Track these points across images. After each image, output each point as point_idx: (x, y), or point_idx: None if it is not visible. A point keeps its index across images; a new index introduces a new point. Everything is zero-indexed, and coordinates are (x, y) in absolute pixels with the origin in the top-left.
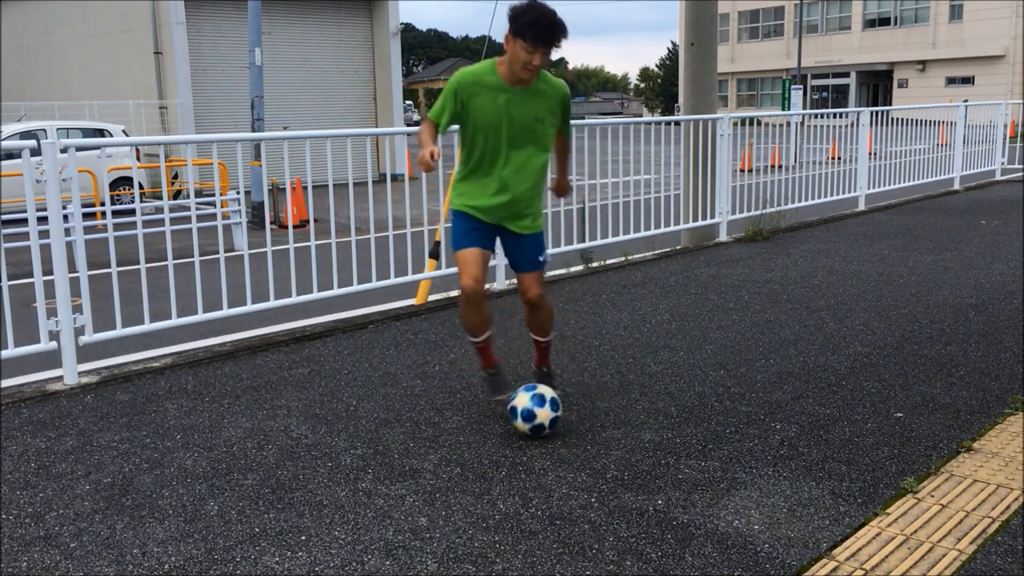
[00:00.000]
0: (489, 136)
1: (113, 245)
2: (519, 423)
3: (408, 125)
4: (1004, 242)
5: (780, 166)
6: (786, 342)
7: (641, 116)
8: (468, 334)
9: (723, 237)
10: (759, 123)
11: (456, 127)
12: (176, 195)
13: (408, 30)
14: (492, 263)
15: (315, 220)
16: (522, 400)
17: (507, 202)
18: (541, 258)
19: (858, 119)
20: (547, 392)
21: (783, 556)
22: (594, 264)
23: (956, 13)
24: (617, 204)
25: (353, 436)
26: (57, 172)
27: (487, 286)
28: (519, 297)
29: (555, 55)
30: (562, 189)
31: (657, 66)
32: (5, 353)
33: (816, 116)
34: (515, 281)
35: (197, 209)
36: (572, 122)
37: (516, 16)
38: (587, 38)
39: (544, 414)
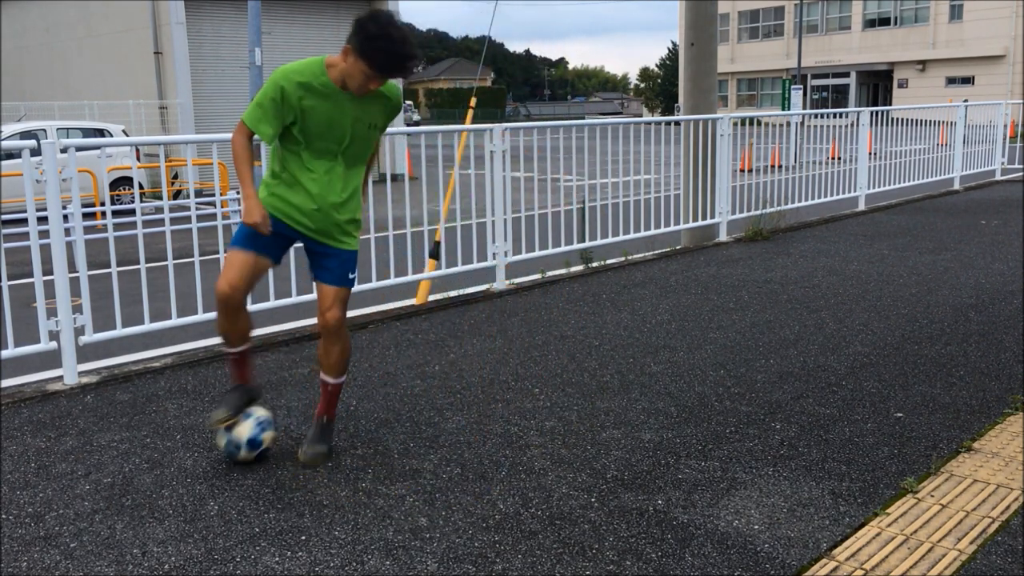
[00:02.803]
0: (318, 142)
1: (113, 245)
2: (244, 453)
3: (408, 125)
4: (1004, 242)
5: (780, 166)
6: (786, 342)
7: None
8: (223, 342)
9: (723, 237)
10: (759, 123)
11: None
12: (176, 195)
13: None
14: (493, 263)
15: None
16: (245, 430)
17: (327, 213)
18: (351, 275)
19: (858, 119)
20: (262, 413)
21: (783, 556)
22: (594, 264)
23: (956, 13)
24: (617, 204)
25: (353, 436)
26: (57, 172)
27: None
28: (317, 318)
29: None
30: None
31: (657, 66)
32: (5, 353)
33: (816, 116)
34: (515, 281)
35: (197, 209)
36: (572, 122)
37: (366, 37)
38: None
39: (269, 437)
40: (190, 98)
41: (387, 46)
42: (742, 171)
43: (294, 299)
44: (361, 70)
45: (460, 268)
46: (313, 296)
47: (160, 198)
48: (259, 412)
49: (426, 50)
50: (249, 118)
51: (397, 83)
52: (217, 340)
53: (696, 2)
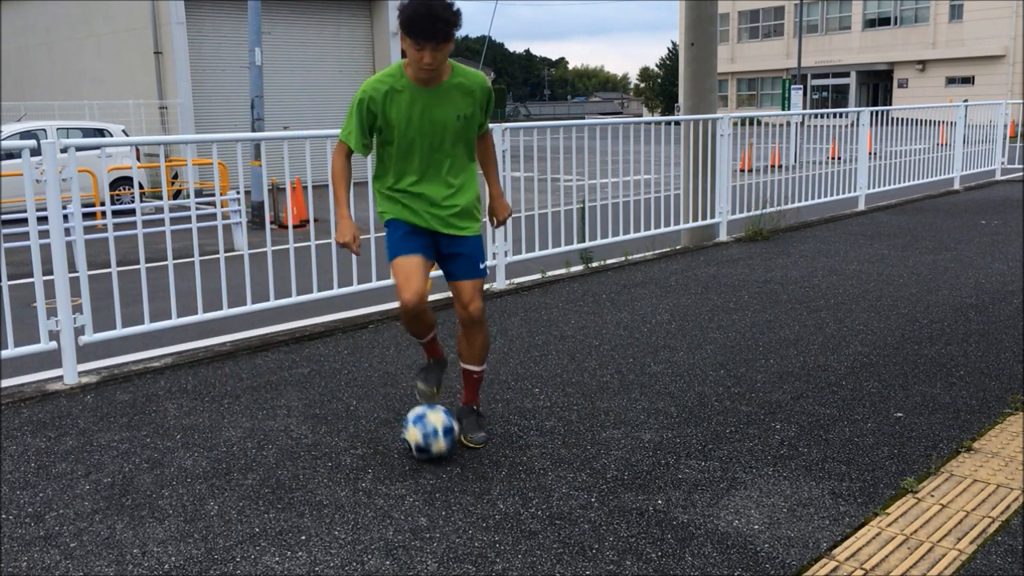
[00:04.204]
0: (410, 142)
1: (113, 245)
2: (440, 441)
3: None
4: (1004, 242)
5: (780, 166)
6: (786, 342)
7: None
8: (412, 336)
9: (723, 237)
10: (759, 123)
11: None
12: (176, 195)
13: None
14: (493, 263)
15: (315, 220)
16: (413, 435)
17: (438, 207)
18: (482, 265)
19: (858, 119)
20: (437, 422)
21: (783, 556)
22: (594, 264)
23: (956, 13)
24: (617, 204)
25: (353, 436)
26: (57, 172)
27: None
28: (456, 312)
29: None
30: (500, 211)
31: (657, 66)
32: (5, 353)
33: (816, 116)
34: (515, 281)
35: (197, 209)
36: (572, 122)
37: (400, 11)
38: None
39: (439, 446)
40: (190, 98)
41: (413, 10)
42: (742, 171)
43: (294, 299)
44: (409, 45)
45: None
46: (313, 296)
47: (160, 198)
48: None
49: None
50: (342, 133)
51: (479, 72)
52: (216, 340)
53: (696, 2)
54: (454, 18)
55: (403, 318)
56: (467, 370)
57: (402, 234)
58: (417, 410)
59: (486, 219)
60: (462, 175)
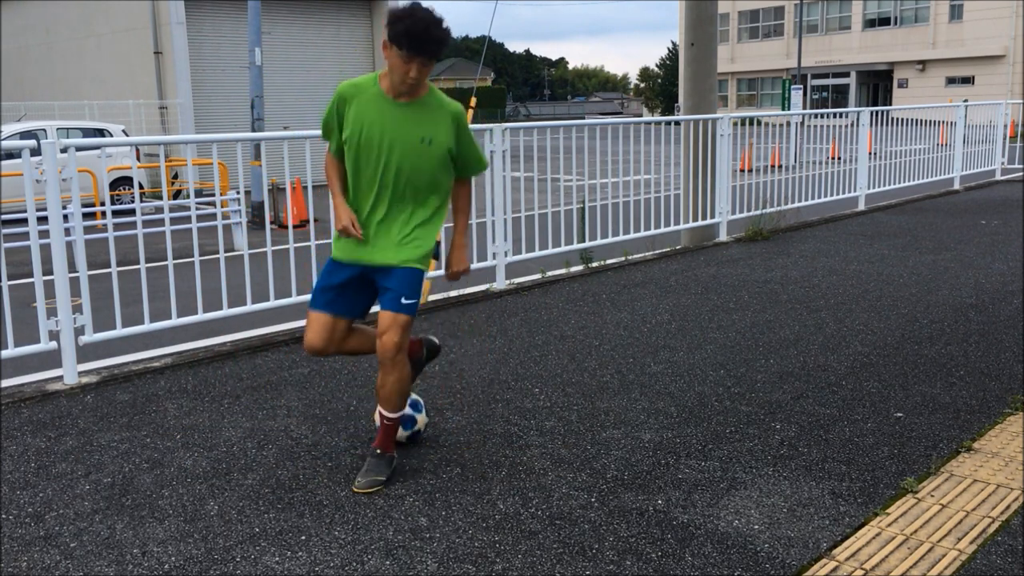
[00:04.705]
0: (363, 154)
1: (113, 245)
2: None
3: None
4: (1004, 242)
5: (780, 166)
6: (786, 342)
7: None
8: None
9: (723, 237)
10: (759, 123)
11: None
12: (176, 195)
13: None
14: (493, 263)
15: (315, 220)
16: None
17: (378, 237)
18: (406, 301)
19: (858, 119)
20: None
21: (783, 556)
22: (594, 264)
23: (956, 13)
24: (617, 204)
25: (353, 436)
26: (57, 172)
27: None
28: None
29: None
30: (456, 264)
31: (657, 66)
32: (5, 353)
33: (816, 116)
34: (515, 281)
35: (197, 209)
36: (572, 122)
37: (392, 21)
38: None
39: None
40: (190, 98)
41: (412, 24)
42: (742, 171)
43: (294, 299)
44: (395, 55)
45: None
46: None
47: (160, 198)
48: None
49: None
50: (323, 129)
51: (454, 102)
52: (216, 340)
53: (696, 2)
54: (446, 37)
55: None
56: (379, 412)
57: (326, 284)
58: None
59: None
60: (421, 212)
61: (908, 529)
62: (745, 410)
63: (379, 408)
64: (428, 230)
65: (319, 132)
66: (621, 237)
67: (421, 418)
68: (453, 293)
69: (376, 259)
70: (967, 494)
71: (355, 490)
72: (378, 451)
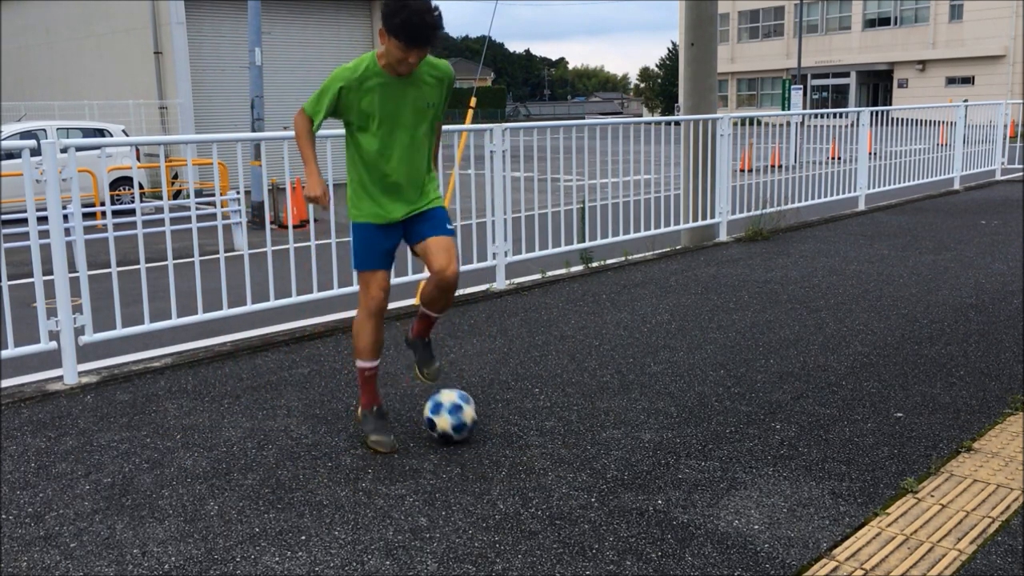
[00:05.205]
0: (382, 130)
1: (113, 245)
2: (467, 408)
3: None
4: (1004, 242)
5: (780, 166)
6: (786, 342)
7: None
8: (358, 357)
9: (723, 237)
10: (759, 123)
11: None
12: (176, 195)
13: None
14: (493, 263)
15: (315, 220)
16: (425, 410)
17: (407, 192)
18: (449, 226)
19: (858, 119)
20: (444, 398)
21: (783, 556)
22: (594, 264)
23: (956, 13)
24: (617, 204)
25: (353, 436)
26: (57, 172)
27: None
28: (433, 277)
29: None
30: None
31: (657, 66)
32: (5, 353)
33: (816, 116)
34: (515, 281)
35: (197, 209)
36: (572, 122)
37: (389, 14)
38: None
39: (443, 422)
40: (190, 98)
41: (407, 16)
42: (742, 171)
43: (294, 299)
44: (394, 46)
45: (460, 268)
46: (313, 296)
47: (160, 198)
48: (446, 397)
49: None
50: (310, 106)
51: (446, 64)
52: (216, 340)
53: (696, 2)
54: (440, 24)
55: (362, 321)
56: (425, 313)
57: (366, 244)
58: (429, 405)
59: None
60: (428, 160)
61: (908, 529)
62: (745, 410)
63: (427, 311)
64: (434, 177)
65: (319, 132)
66: (621, 237)
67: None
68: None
69: (411, 210)
70: (967, 494)
71: (427, 379)
72: (428, 339)
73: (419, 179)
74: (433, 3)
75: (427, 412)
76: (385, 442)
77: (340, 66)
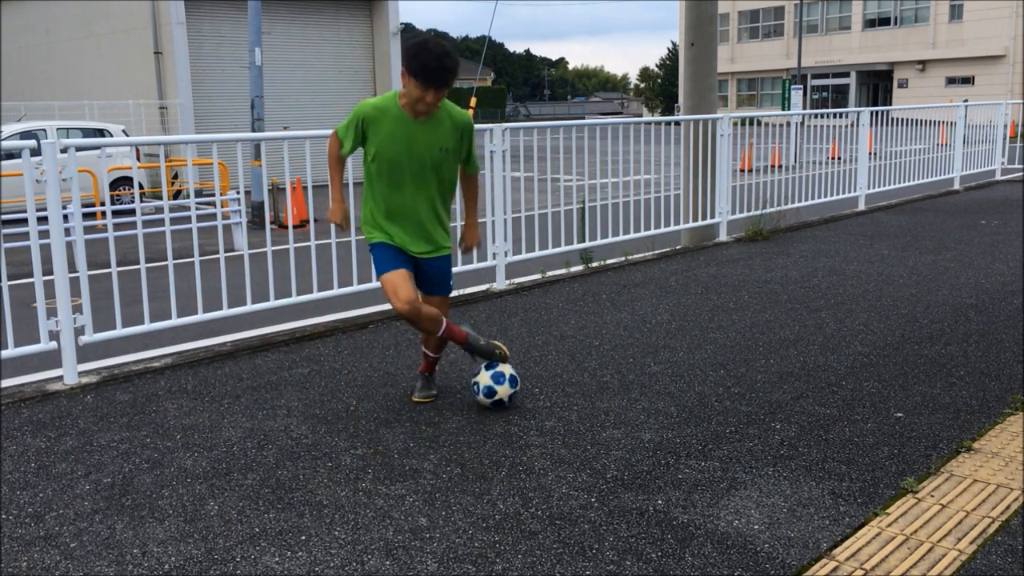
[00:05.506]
0: (393, 167)
1: (113, 245)
2: (481, 398)
3: None
4: (1004, 242)
5: (780, 166)
6: (786, 342)
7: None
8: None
9: (723, 237)
10: (759, 123)
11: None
12: (176, 195)
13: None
14: (493, 263)
15: (315, 220)
16: (483, 378)
17: (413, 231)
18: (450, 283)
19: (858, 119)
20: (506, 370)
21: (783, 556)
22: (594, 264)
23: (956, 13)
24: (617, 204)
25: (353, 436)
26: (57, 172)
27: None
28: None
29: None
30: (470, 239)
31: (657, 66)
32: (5, 353)
33: (816, 116)
34: (515, 281)
35: (197, 209)
36: (572, 122)
37: (409, 57)
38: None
39: (504, 390)
40: (190, 98)
41: (426, 58)
42: (742, 171)
43: (294, 299)
44: (413, 86)
45: (460, 268)
46: (313, 296)
47: (160, 198)
48: (505, 368)
49: None
50: (341, 129)
51: (463, 112)
52: (216, 340)
53: (696, 2)
54: (456, 67)
55: (408, 321)
56: (432, 357)
57: (386, 252)
58: (488, 375)
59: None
60: (439, 204)
61: (908, 529)
62: (745, 410)
63: (432, 354)
64: (447, 220)
65: (319, 132)
66: (621, 237)
67: (503, 389)
68: (453, 293)
69: (419, 249)
70: (967, 494)
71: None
72: (428, 375)
73: (427, 221)
74: (450, 49)
75: (487, 382)
76: (503, 354)
77: (364, 100)
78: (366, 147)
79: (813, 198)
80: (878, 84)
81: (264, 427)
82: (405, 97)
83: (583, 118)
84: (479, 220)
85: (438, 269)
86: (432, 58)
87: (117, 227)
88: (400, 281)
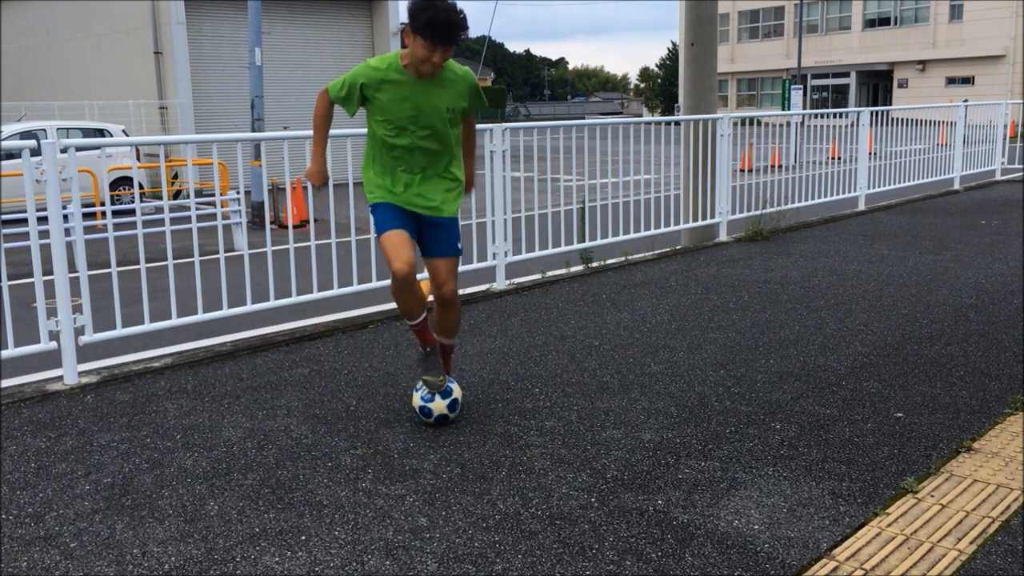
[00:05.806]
0: (397, 129)
1: (113, 245)
2: (423, 418)
3: None
4: (1004, 242)
5: (780, 166)
6: (786, 342)
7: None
8: (405, 318)
9: (723, 237)
10: (759, 123)
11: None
12: (176, 195)
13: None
14: (493, 263)
15: (315, 220)
16: (415, 400)
17: (419, 191)
18: (458, 245)
19: (858, 119)
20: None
21: (783, 556)
22: (594, 264)
23: (956, 13)
24: (617, 204)
25: (353, 436)
26: (57, 172)
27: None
28: (432, 292)
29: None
30: (468, 187)
31: (657, 66)
32: (5, 353)
33: (816, 116)
34: (515, 281)
35: (197, 209)
36: (572, 122)
37: (414, 14)
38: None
39: (438, 405)
40: (190, 98)
41: (433, 15)
42: (742, 171)
43: (294, 299)
44: (420, 45)
45: (460, 268)
46: (313, 296)
47: (160, 198)
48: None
49: None
50: (333, 88)
51: (466, 69)
52: (216, 340)
53: (696, 2)
54: (466, 24)
55: (395, 291)
56: (439, 341)
57: (387, 213)
58: (420, 394)
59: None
60: (447, 162)
61: (908, 529)
62: (745, 410)
63: (439, 338)
64: (457, 179)
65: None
66: (621, 237)
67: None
68: None
69: (426, 205)
70: (967, 494)
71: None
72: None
73: (433, 177)
74: (456, 5)
75: (419, 402)
76: (434, 382)
77: (365, 61)
78: (369, 109)
79: (813, 198)
80: (878, 84)
81: (264, 427)
82: (408, 57)
83: (583, 118)
84: (479, 220)
85: (445, 228)
86: (439, 14)
87: (117, 227)
88: (401, 241)
